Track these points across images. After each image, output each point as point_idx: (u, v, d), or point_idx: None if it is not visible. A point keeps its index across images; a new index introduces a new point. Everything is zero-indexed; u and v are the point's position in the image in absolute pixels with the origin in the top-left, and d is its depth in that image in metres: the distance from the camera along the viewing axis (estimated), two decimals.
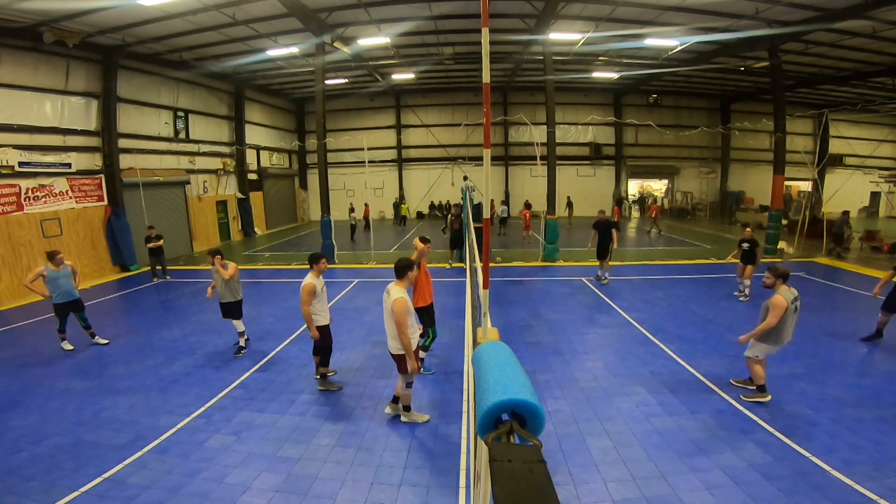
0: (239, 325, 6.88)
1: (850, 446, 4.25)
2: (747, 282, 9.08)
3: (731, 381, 5.58)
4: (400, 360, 4.57)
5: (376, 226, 20.22)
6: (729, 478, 3.86)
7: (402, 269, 4.63)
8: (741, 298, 9.11)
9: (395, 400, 4.96)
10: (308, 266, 5.52)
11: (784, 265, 5.29)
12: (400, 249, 15.88)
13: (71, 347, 7.14)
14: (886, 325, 6.76)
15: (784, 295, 4.81)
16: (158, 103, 15.61)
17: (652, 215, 19.60)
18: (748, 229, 9.37)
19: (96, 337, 7.41)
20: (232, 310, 6.76)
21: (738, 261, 9.30)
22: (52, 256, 6.95)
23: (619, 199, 23.83)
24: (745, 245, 8.99)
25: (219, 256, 6.70)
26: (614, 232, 10.27)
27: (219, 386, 5.81)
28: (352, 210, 20.03)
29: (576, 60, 17.58)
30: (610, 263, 10.72)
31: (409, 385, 4.74)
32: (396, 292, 4.46)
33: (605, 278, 10.66)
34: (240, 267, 6.99)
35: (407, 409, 4.89)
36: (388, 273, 5.48)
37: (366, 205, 22.26)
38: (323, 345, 5.56)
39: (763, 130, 19.52)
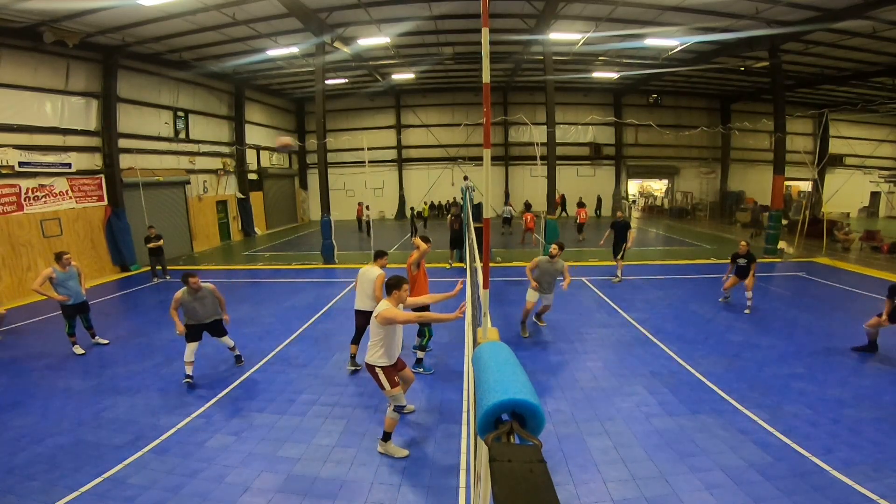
0: (228, 340, 6.41)
1: (849, 446, 4.25)
2: (749, 293, 8.37)
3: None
4: (372, 373, 4.20)
5: (377, 226, 20.20)
6: (729, 478, 3.86)
7: (389, 287, 4.19)
8: (745, 311, 8.47)
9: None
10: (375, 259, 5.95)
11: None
12: (400, 249, 15.87)
13: (82, 352, 6.98)
14: None
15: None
16: (158, 103, 15.60)
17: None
18: (743, 244, 8.72)
19: (97, 337, 7.38)
20: (217, 327, 6.28)
21: (731, 274, 8.73)
22: (59, 258, 6.79)
23: (570, 200, 24.52)
24: (742, 261, 8.47)
25: (195, 278, 5.96)
26: (630, 232, 10.57)
27: (219, 386, 5.81)
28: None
29: (576, 60, 17.56)
30: (623, 263, 10.92)
31: (397, 409, 4.17)
32: (381, 305, 4.13)
33: (618, 277, 10.86)
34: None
35: (386, 437, 4.25)
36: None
37: (360, 204, 22.44)
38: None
39: (763, 130, 19.49)
